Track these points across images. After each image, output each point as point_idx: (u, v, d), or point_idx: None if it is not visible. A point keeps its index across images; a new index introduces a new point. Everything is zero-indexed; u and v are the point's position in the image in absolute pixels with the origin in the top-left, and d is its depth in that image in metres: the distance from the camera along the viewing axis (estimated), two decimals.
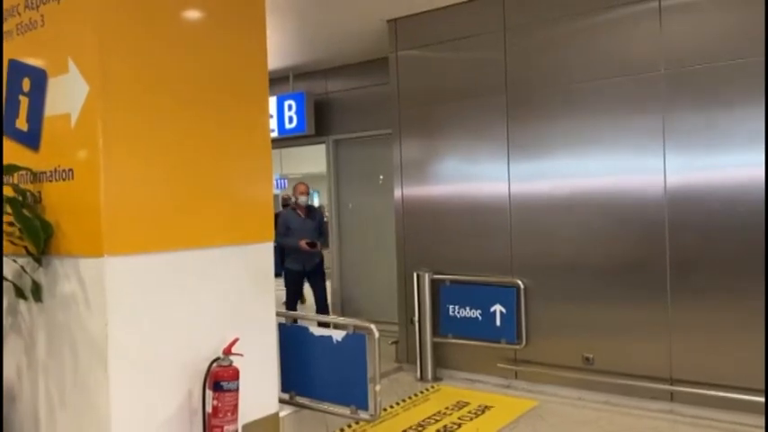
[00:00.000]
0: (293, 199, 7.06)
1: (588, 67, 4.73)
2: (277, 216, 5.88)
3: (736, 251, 4.15)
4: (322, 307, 6.71)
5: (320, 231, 6.81)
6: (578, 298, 4.77)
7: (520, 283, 4.95)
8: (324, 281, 6.80)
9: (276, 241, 5.77)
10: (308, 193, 6.80)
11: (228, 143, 3.26)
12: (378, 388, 3.49)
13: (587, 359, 4.72)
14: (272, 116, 7.75)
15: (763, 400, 3.94)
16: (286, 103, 7.77)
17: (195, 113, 3.11)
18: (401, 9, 5.52)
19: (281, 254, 6.60)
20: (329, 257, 8.12)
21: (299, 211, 6.72)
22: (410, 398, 4.87)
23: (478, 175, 5.21)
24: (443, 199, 5.43)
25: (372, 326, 3.57)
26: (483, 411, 4.57)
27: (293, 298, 6.72)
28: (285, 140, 7.96)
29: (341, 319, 4.04)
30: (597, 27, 4.71)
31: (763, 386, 3.95)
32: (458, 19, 5.31)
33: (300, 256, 6.57)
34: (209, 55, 3.19)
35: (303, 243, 6.42)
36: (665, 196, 4.41)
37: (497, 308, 5.01)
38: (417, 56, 5.63)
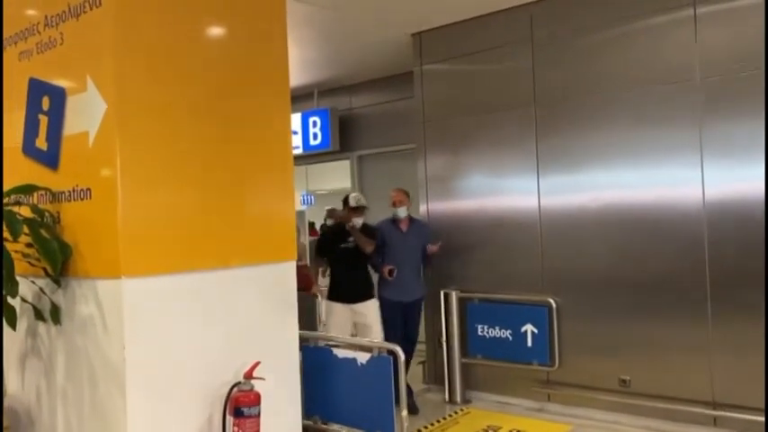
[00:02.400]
0: (328, 221, 6.29)
1: (621, 76, 4.58)
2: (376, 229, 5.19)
3: None
4: (408, 350, 4.94)
5: (424, 252, 5.24)
6: (614, 317, 4.57)
7: (552, 301, 4.77)
8: (419, 318, 5.32)
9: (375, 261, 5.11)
10: (406, 203, 5.23)
11: (249, 160, 3.19)
12: (404, 413, 3.35)
13: (624, 381, 4.52)
14: (296, 133, 7.73)
15: None
16: (311, 120, 7.75)
17: (215, 131, 3.04)
18: (425, 22, 5.44)
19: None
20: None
21: (400, 225, 5.25)
22: (439, 421, 4.72)
23: (507, 188, 5.06)
24: (471, 214, 5.29)
25: (398, 348, 3.45)
26: None
27: (395, 334, 4.87)
28: (310, 157, 7.92)
29: (366, 341, 3.92)
30: (630, 35, 4.56)
31: None
32: (484, 30, 5.21)
33: (402, 283, 5.06)
34: (229, 72, 3.13)
35: (386, 270, 5.03)
36: (704, 209, 4.22)
37: (528, 327, 4.84)
38: (442, 69, 5.54)
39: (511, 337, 4.93)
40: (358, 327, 4.93)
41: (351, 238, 4.96)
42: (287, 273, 3.39)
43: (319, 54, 6.38)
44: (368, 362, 3.52)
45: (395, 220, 5.23)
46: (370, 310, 4.96)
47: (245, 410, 2.93)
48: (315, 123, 7.73)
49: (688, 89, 4.29)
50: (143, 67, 2.80)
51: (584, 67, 4.75)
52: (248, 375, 3.00)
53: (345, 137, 7.63)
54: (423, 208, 5.61)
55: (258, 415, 2.96)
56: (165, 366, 2.80)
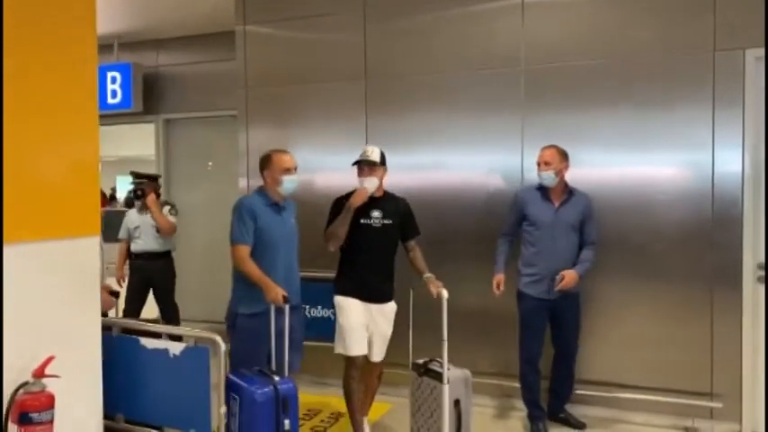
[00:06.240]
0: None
1: (450, 57, 4.64)
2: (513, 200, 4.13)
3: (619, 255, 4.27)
4: (565, 362, 4.18)
5: (585, 237, 4.05)
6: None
7: None
8: (576, 321, 4.15)
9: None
10: (555, 166, 4.00)
11: (44, 116, 2.63)
12: (223, 410, 3.04)
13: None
14: None
15: None
16: (109, 75, 6.88)
17: (6, 85, 2.44)
18: None
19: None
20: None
21: (550, 197, 4.04)
22: None
23: (335, 165, 4.86)
24: (297, 191, 4.99)
25: (218, 337, 3.09)
26: (336, 420, 4.28)
27: (532, 341, 4.09)
28: (107, 117, 7.02)
29: (180, 329, 3.46)
30: (460, 17, 4.61)
31: None
32: None
33: (549, 276, 3.98)
34: (20, 10, 2.53)
35: (569, 277, 3.90)
36: None
37: None
38: (269, 32, 5.16)
39: (333, 317, 4.75)
40: (373, 334, 3.87)
41: (376, 213, 3.82)
42: (88, 250, 2.89)
43: (122, 0, 5.62)
44: (182, 353, 3.14)
45: (542, 188, 4.06)
46: (391, 315, 3.94)
47: (35, 416, 2.42)
48: (114, 79, 6.88)
49: (513, 76, 4.45)
50: None
51: (415, 45, 4.73)
52: (38, 374, 2.49)
53: (151, 97, 6.89)
54: (243, 182, 5.23)
55: (51, 420, 2.48)
56: None
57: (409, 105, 4.73)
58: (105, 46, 6.80)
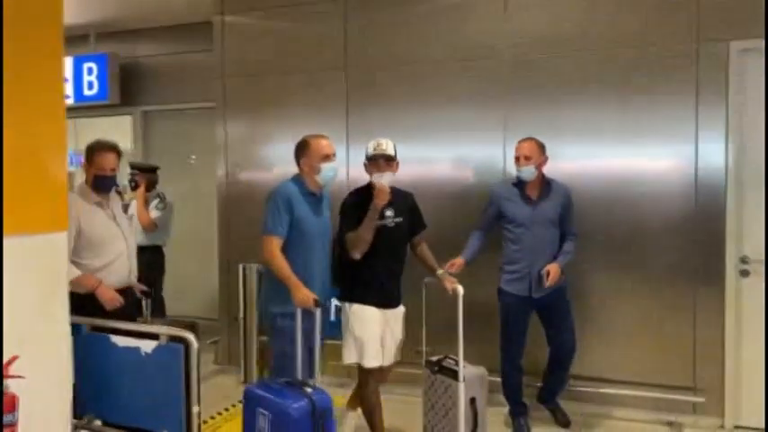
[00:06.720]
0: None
1: (432, 49, 4.58)
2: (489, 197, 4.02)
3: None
4: (561, 363, 4.07)
5: (565, 229, 3.97)
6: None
7: None
8: (568, 319, 4.02)
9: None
10: (535, 160, 3.86)
11: (8, 106, 2.52)
12: (196, 410, 2.96)
13: (418, 352, 4.55)
14: (67, 80, 6.67)
15: None
16: (85, 66, 6.74)
17: None
18: None
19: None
20: None
21: (528, 192, 3.94)
22: (234, 406, 4.36)
23: None
24: (275, 184, 4.93)
25: (191, 335, 3.01)
26: None
27: (513, 340, 3.99)
28: (83, 109, 6.88)
29: (152, 327, 3.35)
30: (442, 8, 4.56)
31: None
32: None
33: (531, 271, 3.88)
34: None
35: (554, 271, 3.79)
36: None
37: (332, 301, 4.63)
38: (247, 22, 5.07)
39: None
40: (386, 339, 3.64)
41: (389, 212, 3.52)
42: (56, 245, 2.80)
43: None
44: (153, 351, 3.06)
45: (519, 183, 3.95)
46: (402, 317, 3.75)
47: None
48: (90, 70, 6.74)
49: (495, 68, 4.40)
50: None
51: (396, 36, 4.68)
52: (2, 374, 2.40)
53: (128, 89, 6.76)
54: (221, 176, 5.16)
55: (15, 422, 2.39)
56: None
57: (390, 96, 4.67)
58: (81, 36, 6.67)
